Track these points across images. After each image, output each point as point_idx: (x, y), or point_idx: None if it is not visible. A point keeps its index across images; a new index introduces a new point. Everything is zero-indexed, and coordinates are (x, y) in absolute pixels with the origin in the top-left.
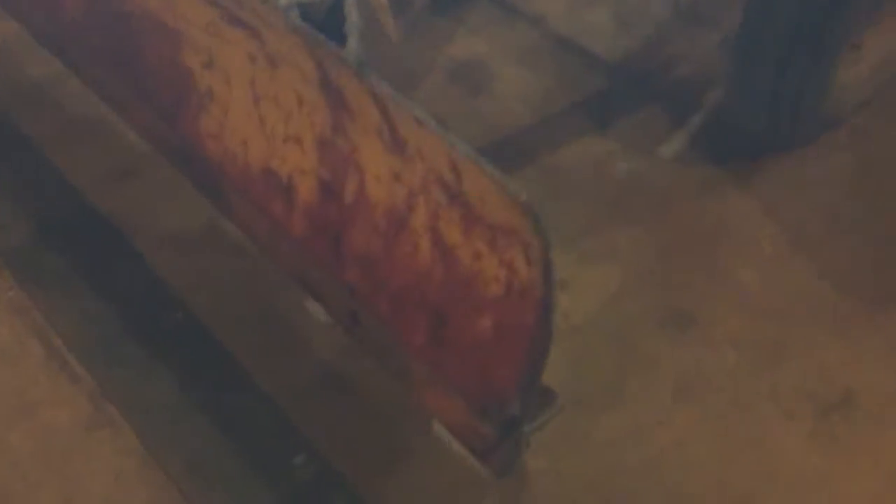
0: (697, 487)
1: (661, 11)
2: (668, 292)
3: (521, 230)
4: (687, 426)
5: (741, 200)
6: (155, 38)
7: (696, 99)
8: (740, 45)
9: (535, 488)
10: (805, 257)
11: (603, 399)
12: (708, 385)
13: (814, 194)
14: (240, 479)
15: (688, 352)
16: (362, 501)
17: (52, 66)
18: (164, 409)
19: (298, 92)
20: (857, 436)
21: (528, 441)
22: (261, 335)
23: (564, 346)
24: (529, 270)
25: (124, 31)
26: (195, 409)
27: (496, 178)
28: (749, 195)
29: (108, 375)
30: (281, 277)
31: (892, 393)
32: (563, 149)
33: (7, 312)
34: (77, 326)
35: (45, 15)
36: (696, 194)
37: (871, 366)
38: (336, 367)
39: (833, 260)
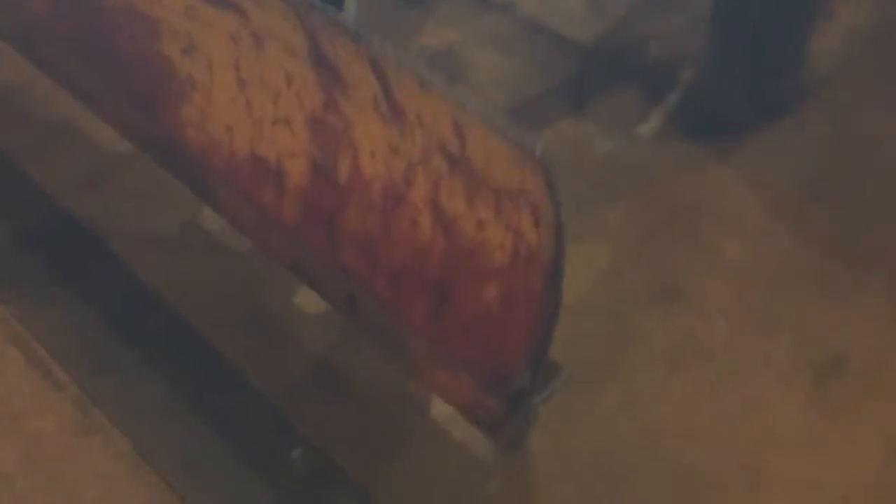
0: (698, 456)
1: None
2: (656, 267)
3: (531, 190)
4: (684, 397)
5: (722, 174)
6: (129, 28)
7: (671, 77)
8: (716, 19)
9: (539, 468)
10: (788, 226)
11: (599, 376)
12: (702, 356)
13: (793, 165)
14: (237, 477)
15: (680, 324)
16: (364, 492)
17: (15, 72)
18: (154, 412)
19: (287, 69)
20: (852, 398)
21: (536, 414)
22: (249, 333)
23: (557, 326)
24: (538, 233)
25: (96, 23)
26: (186, 410)
27: (507, 134)
28: (730, 168)
29: (94, 381)
30: (267, 274)
31: (884, 355)
32: (542, 132)
33: None
34: (58, 333)
35: (10, 12)
36: (678, 170)
37: (862, 329)
38: (329, 361)
39: (816, 227)
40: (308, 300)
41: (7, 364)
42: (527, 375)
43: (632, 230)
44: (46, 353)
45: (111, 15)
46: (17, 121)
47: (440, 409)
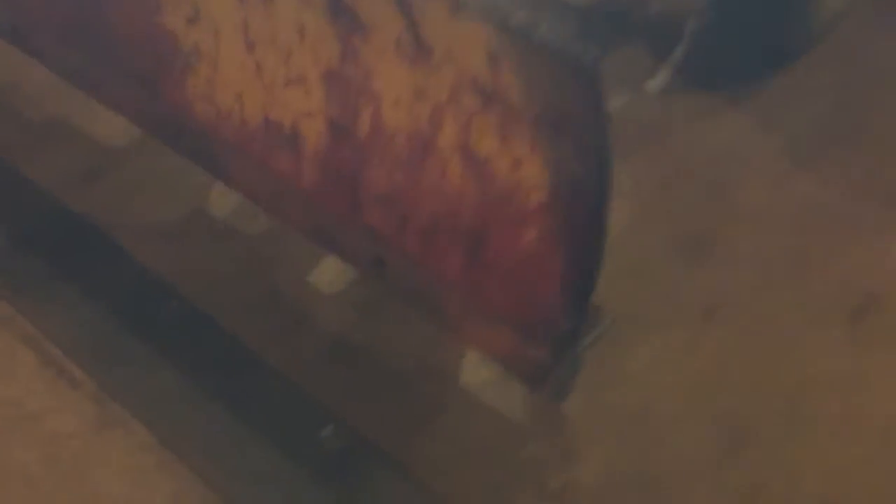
0: (738, 404)
1: None
2: (678, 220)
3: (576, 112)
4: (719, 346)
5: (736, 122)
6: (127, 4)
7: (675, 31)
8: None
9: (578, 428)
10: (808, 169)
11: (631, 331)
12: (733, 304)
13: (807, 108)
14: (266, 461)
15: (708, 275)
16: (399, 463)
17: (2, 71)
18: (174, 402)
19: (299, 23)
20: (888, 335)
21: (581, 361)
22: (264, 315)
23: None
24: (581, 162)
25: (91, 4)
26: (207, 397)
27: (552, 52)
28: (743, 116)
29: (110, 375)
30: (278, 256)
31: None
32: None
33: None
34: (69, 330)
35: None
36: (691, 122)
37: (892, 266)
38: (348, 339)
39: (836, 169)
40: (322, 279)
41: (19, 364)
42: (571, 320)
43: (648, 184)
44: (58, 350)
45: None
46: (8, 119)
47: (469, 378)
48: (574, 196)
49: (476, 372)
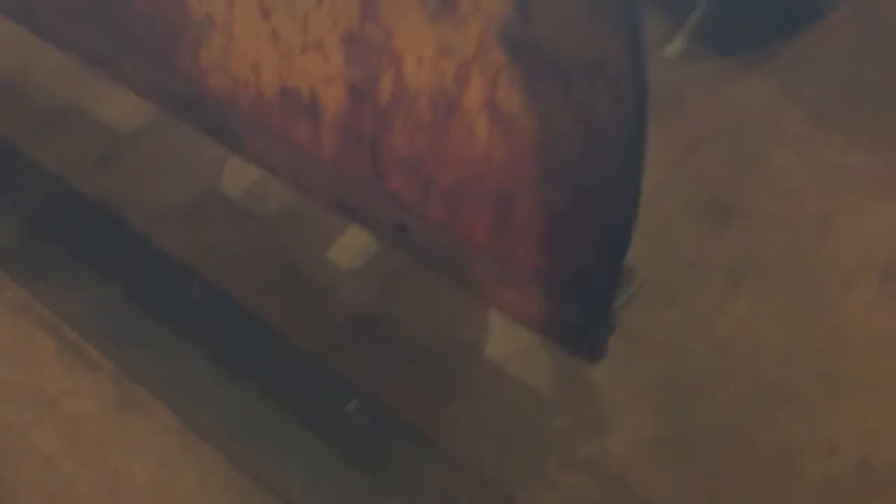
0: (772, 368)
1: None
2: (702, 185)
3: (611, 58)
4: (749, 310)
5: (757, 86)
6: None
7: None
8: None
9: (604, 397)
10: (832, 131)
11: (658, 297)
12: (762, 268)
13: (828, 69)
14: (293, 437)
15: (734, 239)
16: (426, 437)
17: (10, 59)
18: (196, 381)
19: None
20: None
21: (617, 320)
22: (284, 293)
23: None
24: (615, 113)
25: None
26: (229, 376)
27: None
28: (764, 80)
29: (130, 357)
30: (295, 234)
31: None
32: None
33: (8, 312)
34: (86, 313)
35: None
36: (710, 87)
37: None
38: (369, 313)
39: (860, 130)
40: (342, 255)
41: (38, 349)
42: (605, 280)
43: (671, 150)
44: (76, 334)
45: None
46: (19, 106)
47: (495, 351)
48: (608, 149)
49: (501, 344)
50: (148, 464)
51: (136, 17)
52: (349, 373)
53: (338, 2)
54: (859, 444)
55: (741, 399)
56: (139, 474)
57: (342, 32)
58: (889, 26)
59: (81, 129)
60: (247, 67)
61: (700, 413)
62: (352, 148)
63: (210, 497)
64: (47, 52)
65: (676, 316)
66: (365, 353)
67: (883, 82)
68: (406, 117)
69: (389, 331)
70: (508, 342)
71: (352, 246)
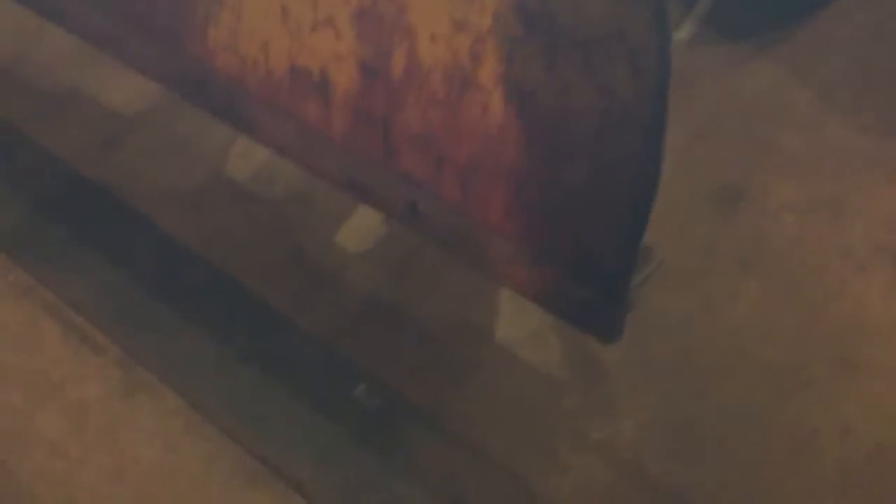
0: (785, 352)
1: None
2: (712, 169)
3: (631, 30)
4: (760, 295)
5: (766, 70)
6: None
7: None
8: None
9: (615, 380)
10: (843, 115)
11: (669, 282)
12: (773, 253)
13: (839, 54)
14: (301, 420)
15: (745, 224)
16: (436, 420)
17: (13, 46)
18: (202, 365)
19: None
20: None
21: (633, 300)
22: (291, 277)
23: None
24: (635, 86)
25: None
26: (236, 359)
27: None
28: (773, 64)
29: (136, 341)
30: (302, 218)
31: None
32: None
33: (12, 296)
34: (91, 297)
35: None
36: (720, 72)
37: None
38: (377, 297)
39: (871, 114)
40: (349, 239)
41: (43, 333)
42: (622, 257)
43: (681, 134)
44: (81, 318)
45: None
46: (23, 89)
47: (505, 334)
48: (628, 124)
49: (512, 327)
50: (154, 447)
51: None
52: (357, 356)
53: None
54: (875, 431)
55: (753, 383)
56: (145, 458)
57: (353, 8)
58: None
59: (86, 113)
60: (256, 46)
61: (712, 396)
62: (363, 126)
63: (217, 480)
64: (51, 35)
65: (688, 300)
66: (374, 337)
67: (894, 67)
68: (419, 94)
69: (398, 314)
70: (518, 325)
71: (360, 229)
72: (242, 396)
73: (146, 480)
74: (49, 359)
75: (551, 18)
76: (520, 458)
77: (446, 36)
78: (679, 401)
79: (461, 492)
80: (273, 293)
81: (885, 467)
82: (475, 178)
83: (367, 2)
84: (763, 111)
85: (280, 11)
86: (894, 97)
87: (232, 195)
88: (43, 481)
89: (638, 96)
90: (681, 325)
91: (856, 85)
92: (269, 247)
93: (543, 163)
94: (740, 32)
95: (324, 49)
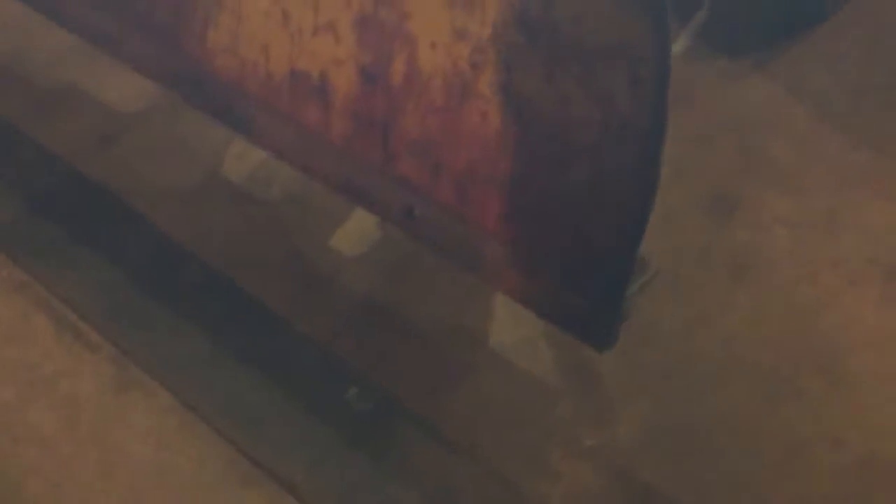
0: (775, 363)
1: None
2: (706, 180)
3: (632, 42)
4: (752, 305)
5: (763, 84)
6: None
7: None
8: None
9: (609, 388)
10: (837, 129)
11: (661, 290)
12: (765, 264)
13: (834, 69)
14: (293, 421)
15: (738, 234)
16: (430, 424)
17: (11, 42)
18: (196, 363)
19: None
20: None
21: (628, 308)
22: (287, 278)
23: None
24: (634, 96)
25: None
26: (230, 358)
27: None
28: (770, 78)
29: (129, 338)
30: (299, 220)
31: None
32: None
33: (5, 291)
34: (86, 294)
35: None
36: (715, 85)
37: None
38: (372, 300)
39: (866, 129)
40: (345, 242)
41: (36, 329)
42: (618, 267)
43: (675, 146)
44: (76, 315)
45: None
46: (20, 86)
47: (499, 339)
48: (627, 135)
49: (506, 332)
50: (147, 445)
51: None
52: (352, 359)
53: None
54: (866, 442)
55: (745, 392)
56: (137, 455)
57: (355, 14)
58: (891, 28)
59: (83, 110)
60: (255, 49)
61: (704, 405)
62: (362, 131)
63: (209, 479)
64: (49, 32)
65: (679, 310)
66: (368, 340)
67: (889, 82)
68: (418, 101)
69: (393, 317)
70: (513, 330)
71: (356, 232)
72: (235, 396)
73: (137, 478)
74: (42, 355)
75: (552, 29)
76: (512, 464)
77: (447, 44)
78: (672, 409)
79: (453, 495)
80: (268, 294)
81: (875, 478)
82: (473, 184)
83: (368, 8)
84: (758, 124)
85: (281, 15)
86: (888, 112)
87: (229, 195)
88: (33, 476)
89: (637, 107)
90: (673, 334)
91: (850, 100)
92: (264, 248)
93: (541, 170)
94: (736, 46)
95: (324, 53)
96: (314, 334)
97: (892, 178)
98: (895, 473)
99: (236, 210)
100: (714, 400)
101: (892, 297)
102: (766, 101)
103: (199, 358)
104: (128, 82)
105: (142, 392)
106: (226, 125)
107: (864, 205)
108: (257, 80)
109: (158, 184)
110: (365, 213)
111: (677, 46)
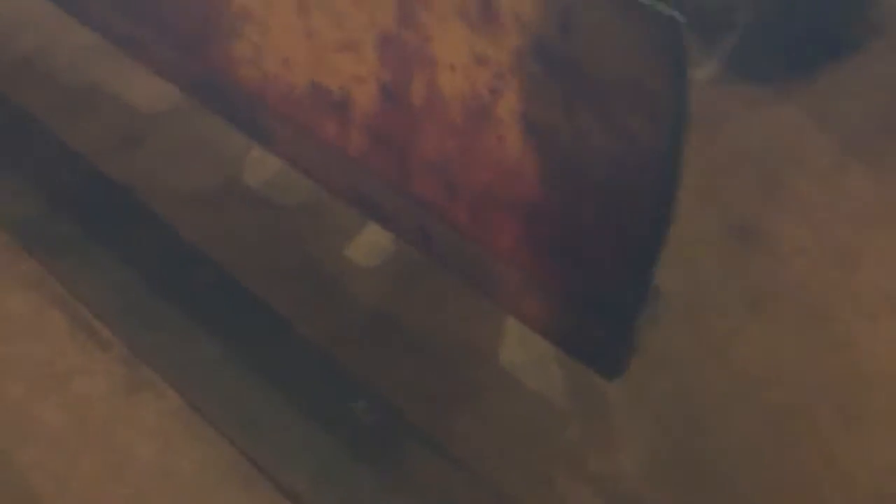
0: (787, 396)
1: None
2: (727, 209)
3: (651, 76)
4: (767, 337)
5: (787, 114)
6: None
7: (725, 21)
8: None
9: (617, 413)
10: (861, 162)
11: (675, 318)
12: (782, 296)
13: (861, 100)
14: (298, 429)
15: (756, 265)
16: (436, 441)
17: (38, 38)
18: (205, 367)
19: None
20: None
21: (638, 338)
22: (299, 286)
23: None
24: (652, 131)
25: None
26: (239, 364)
27: (630, 12)
28: (795, 108)
29: (142, 339)
30: (314, 228)
31: None
32: None
33: (21, 286)
34: (101, 293)
35: None
36: (740, 112)
37: None
38: (384, 311)
39: (890, 161)
40: (359, 252)
41: (50, 326)
42: (631, 296)
43: (697, 173)
44: (89, 312)
45: None
46: (45, 85)
47: (508, 358)
48: (643, 168)
49: (516, 351)
50: (153, 446)
51: (170, 5)
52: (358, 369)
53: (376, 3)
54: (877, 480)
55: (755, 425)
56: (143, 455)
57: (379, 33)
58: None
59: (106, 110)
60: (278, 62)
61: (713, 436)
62: (380, 147)
63: (211, 482)
64: (75, 31)
65: (691, 338)
66: (375, 351)
67: None
68: (437, 122)
69: (401, 330)
70: (523, 350)
71: (369, 243)
72: (242, 401)
73: (142, 478)
74: (55, 351)
75: (572, 62)
76: (517, 484)
77: (467, 67)
78: (680, 438)
79: None
80: (279, 300)
81: None
82: (488, 207)
83: (391, 29)
84: (782, 154)
85: (306, 31)
86: None
87: (246, 199)
88: (40, 472)
89: (654, 143)
90: (684, 362)
91: (874, 134)
92: (279, 255)
93: (556, 198)
94: (764, 74)
95: (346, 69)
96: (323, 342)
97: None
98: None
99: (253, 214)
100: (722, 431)
101: None
102: (790, 130)
103: (209, 361)
104: (152, 84)
105: (151, 393)
106: (245, 133)
107: (884, 240)
108: (279, 92)
109: (178, 186)
110: (379, 227)
111: (703, 72)
